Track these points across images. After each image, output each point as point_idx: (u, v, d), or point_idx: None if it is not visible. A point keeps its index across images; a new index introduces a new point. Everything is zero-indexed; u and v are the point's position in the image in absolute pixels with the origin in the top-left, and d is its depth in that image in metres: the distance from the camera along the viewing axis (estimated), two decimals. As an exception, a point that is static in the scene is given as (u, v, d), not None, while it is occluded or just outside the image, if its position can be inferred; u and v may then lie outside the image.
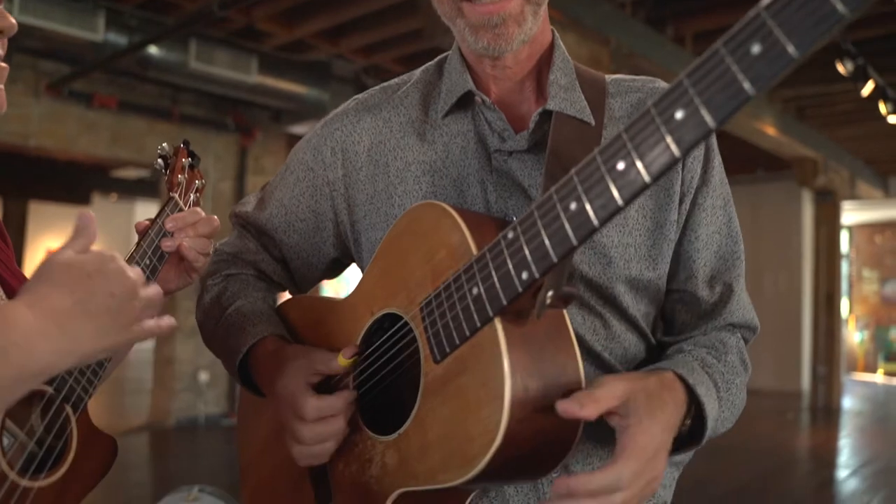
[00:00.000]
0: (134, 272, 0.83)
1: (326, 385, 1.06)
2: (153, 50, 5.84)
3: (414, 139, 1.14)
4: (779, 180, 10.89)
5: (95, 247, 0.83)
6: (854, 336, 13.48)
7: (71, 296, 0.76)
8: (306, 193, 1.22)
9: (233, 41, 6.31)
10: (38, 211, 12.70)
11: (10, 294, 0.97)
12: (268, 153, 8.28)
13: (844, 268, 12.03)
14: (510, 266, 0.84)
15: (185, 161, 1.25)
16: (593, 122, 1.08)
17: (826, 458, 7.43)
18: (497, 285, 0.85)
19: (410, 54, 6.64)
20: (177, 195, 1.19)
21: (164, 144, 1.25)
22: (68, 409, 0.95)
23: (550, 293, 0.84)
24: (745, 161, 10.24)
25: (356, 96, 1.24)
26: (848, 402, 10.69)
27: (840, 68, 6.18)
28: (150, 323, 0.84)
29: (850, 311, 13.31)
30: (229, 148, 7.96)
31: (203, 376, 7.88)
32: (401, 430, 0.97)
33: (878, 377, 12.92)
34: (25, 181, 11.01)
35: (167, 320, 0.87)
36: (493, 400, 0.85)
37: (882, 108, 7.08)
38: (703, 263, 1.11)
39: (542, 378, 0.87)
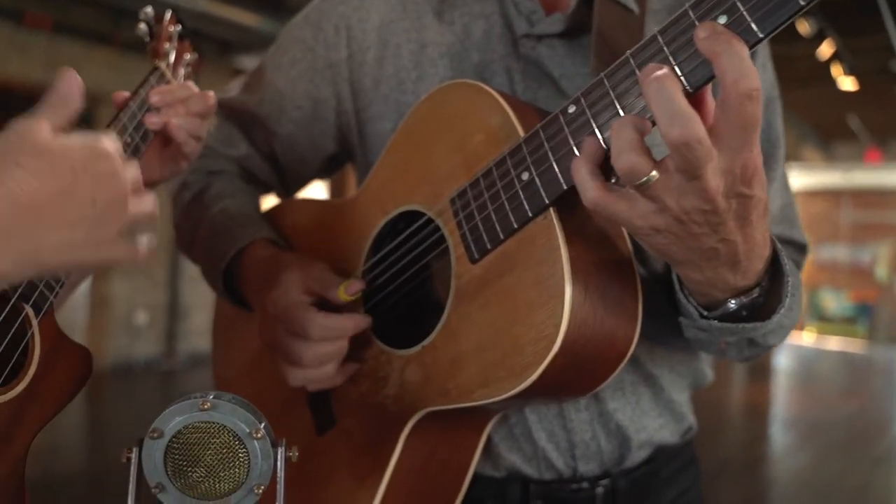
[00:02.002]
0: (130, 174, 0.64)
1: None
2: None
3: (430, 18, 0.99)
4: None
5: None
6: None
7: (44, 188, 0.58)
8: (304, 77, 1.06)
9: (180, -37, 5.92)
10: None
11: None
12: (214, 88, 7.90)
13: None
14: (573, 145, 0.70)
15: (174, 29, 1.06)
16: (636, 11, 0.95)
17: (759, 415, 7.64)
18: (555, 168, 0.72)
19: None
20: (163, 65, 1.00)
21: (148, 9, 1.05)
22: (28, 309, 0.78)
23: None
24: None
25: None
26: (780, 361, 11.02)
27: (800, 27, 6.16)
28: (131, 244, 0.65)
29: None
30: (173, 81, 7.57)
31: (141, 317, 7.59)
32: (426, 342, 0.83)
33: (807, 337, 13.37)
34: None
35: (148, 242, 0.67)
36: (550, 301, 0.72)
37: (834, 70, 7.13)
38: None
39: (599, 277, 0.74)
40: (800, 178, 12.71)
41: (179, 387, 7.26)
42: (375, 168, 0.95)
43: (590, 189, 0.66)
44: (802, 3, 0.57)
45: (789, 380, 10.17)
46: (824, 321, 13.76)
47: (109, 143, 0.63)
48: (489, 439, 0.91)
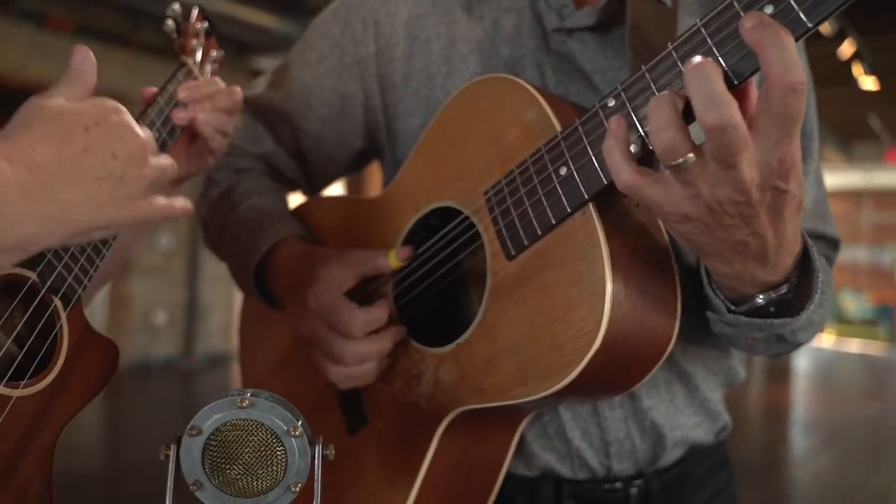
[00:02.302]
0: (144, 132, 0.66)
1: (357, 295, 0.90)
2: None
3: (460, 13, 0.98)
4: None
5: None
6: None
7: (59, 149, 0.60)
8: (332, 73, 1.05)
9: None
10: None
11: None
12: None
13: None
14: None
15: (201, 26, 1.05)
16: (669, 3, 0.93)
17: (778, 418, 7.58)
18: (595, 162, 0.71)
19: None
20: (190, 61, 0.99)
21: (175, 5, 1.05)
22: (56, 302, 0.77)
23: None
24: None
25: None
26: (800, 363, 10.93)
27: (821, 26, 6.10)
28: (161, 200, 0.67)
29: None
30: (190, 81, 7.61)
31: (160, 317, 7.63)
32: (461, 340, 0.82)
33: (827, 339, 13.25)
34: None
35: (181, 202, 0.70)
36: (590, 298, 0.70)
37: (855, 70, 7.06)
38: None
39: (639, 274, 0.73)
40: (819, 179, 12.60)
41: (198, 387, 7.30)
42: (406, 165, 0.94)
43: (623, 171, 0.64)
44: None
45: (809, 382, 10.08)
46: (844, 323, 13.63)
47: (119, 104, 0.65)
48: (522, 438, 0.90)
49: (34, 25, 6.42)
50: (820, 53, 7.36)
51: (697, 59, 0.59)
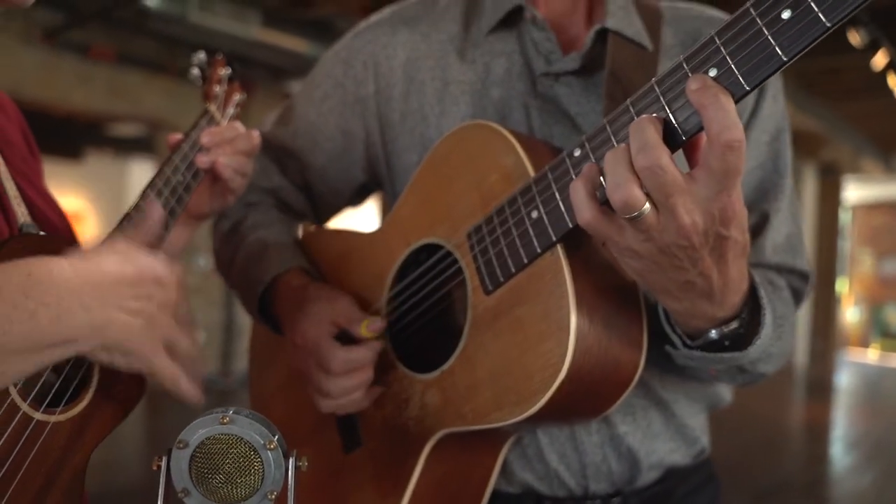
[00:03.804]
0: (180, 300, 0.80)
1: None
2: (152, 1, 5.67)
3: (454, 57, 1.05)
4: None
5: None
6: (849, 314, 13.50)
7: (119, 274, 0.73)
8: (335, 111, 1.12)
9: (234, -6, 6.14)
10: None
11: (37, 216, 0.87)
12: (266, 112, 8.10)
13: (843, 245, 12.00)
14: None
15: (224, 72, 1.14)
16: (650, 48, 0.98)
17: (819, 435, 7.43)
18: (561, 207, 0.77)
19: (416, 13, 6.48)
20: (213, 108, 1.08)
21: (201, 54, 1.14)
22: None
23: None
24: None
25: (391, 6, 1.13)
26: (842, 379, 10.71)
27: (853, 38, 6.05)
28: (172, 366, 0.78)
29: (848, 288, 13.33)
30: (227, 106, 7.80)
31: (198, 336, 7.80)
32: (444, 367, 0.88)
33: (871, 354, 12.95)
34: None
35: (186, 384, 0.80)
36: (557, 332, 0.77)
37: (891, 80, 6.96)
38: None
39: (604, 309, 0.79)
40: (859, 191, 12.39)
41: (235, 405, 7.39)
42: (400, 201, 1.01)
43: (585, 210, 0.69)
44: (785, 58, 0.61)
45: (851, 398, 9.86)
46: (889, 338, 13.31)
47: (168, 266, 0.79)
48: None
49: (78, 56, 6.67)
50: (853, 65, 7.28)
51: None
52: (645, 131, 0.63)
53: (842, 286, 11.88)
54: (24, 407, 0.77)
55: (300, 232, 1.21)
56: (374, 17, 1.13)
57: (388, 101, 1.07)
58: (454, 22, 1.06)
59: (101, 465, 0.82)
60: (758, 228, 1.00)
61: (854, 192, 12.30)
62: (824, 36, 0.60)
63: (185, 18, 5.88)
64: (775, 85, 1.02)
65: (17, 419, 0.75)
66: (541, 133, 0.98)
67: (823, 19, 0.59)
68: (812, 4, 0.59)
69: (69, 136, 10.98)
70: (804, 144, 9.88)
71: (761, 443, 6.63)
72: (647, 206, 0.65)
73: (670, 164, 0.63)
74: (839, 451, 6.88)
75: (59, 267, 0.69)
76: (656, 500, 1.00)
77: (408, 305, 0.97)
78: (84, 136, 11.45)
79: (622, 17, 0.98)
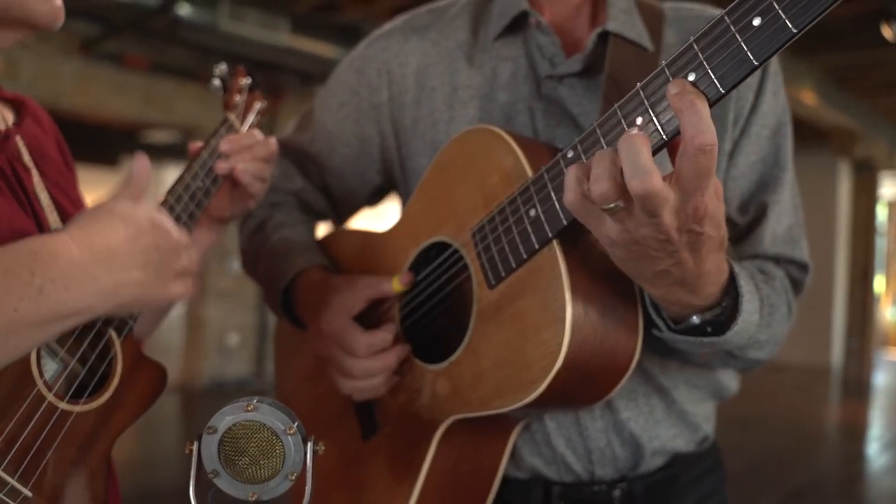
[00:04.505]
0: (178, 233, 0.83)
1: (369, 316, 1.03)
2: (184, 10, 5.81)
3: (462, 63, 1.10)
4: (816, 152, 10.65)
5: None
6: (887, 312, 13.26)
7: (121, 237, 0.76)
8: (351, 118, 1.18)
9: (264, 2, 6.25)
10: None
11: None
12: (295, 116, 8.23)
13: (880, 242, 11.79)
14: None
15: (244, 82, 1.20)
16: (651, 48, 1.02)
17: (855, 434, 7.34)
18: (556, 206, 0.82)
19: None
20: (232, 116, 1.14)
21: (223, 65, 1.20)
22: (111, 332, 0.92)
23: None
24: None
25: (402, 16, 1.19)
26: (879, 378, 10.54)
27: (886, 32, 5.98)
28: (184, 286, 0.84)
29: (886, 286, 13.09)
30: (258, 112, 7.93)
31: (233, 338, 7.94)
32: (452, 358, 0.94)
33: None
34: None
35: (192, 287, 0.86)
36: (554, 323, 0.82)
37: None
38: (739, 192, 1.03)
39: (600, 300, 0.84)
40: (895, 188, 12.16)
41: (268, 404, 7.53)
42: (410, 202, 1.07)
43: (570, 191, 0.73)
44: (756, 63, 0.65)
45: (889, 398, 9.71)
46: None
47: (164, 213, 0.83)
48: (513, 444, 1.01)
49: (113, 65, 6.84)
50: (886, 59, 7.18)
51: (634, 130, 0.69)
52: (639, 155, 0.66)
53: (879, 284, 11.67)
54: (50, 397, 0.82)
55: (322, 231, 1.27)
56: (387, 27, 1.19)
57: (401, 108, 1.13)
58: (463, 29, 1.11)
59: (137, 464, 0.89)
60: (758, 219, 1.03)
61: (891, 188, 12.08)
62: (792, 41, 0.64)
63: (216, 27, 6.00)
64: (775, 81, 1.05)
65: (42, 409, 0.80)
66: (545, 134, 1.03)
67: (790, 25, 0.63)
68: (780, 12, 0.63)
69: (105, 143, 11.25)
70: (838, 141, 9.75)
71: (797, 441, 6.57)
72: (620, 202, 0.68)
73: (664, 187, 0.66)
74: (875, 450, 6.78)
75: (61, 242, 0.72)
76: (661, 485, 1.03)
77: (419, 300, 1.02)
78: (120, 143, 11.71)
79: (623, 20, 1.02)
